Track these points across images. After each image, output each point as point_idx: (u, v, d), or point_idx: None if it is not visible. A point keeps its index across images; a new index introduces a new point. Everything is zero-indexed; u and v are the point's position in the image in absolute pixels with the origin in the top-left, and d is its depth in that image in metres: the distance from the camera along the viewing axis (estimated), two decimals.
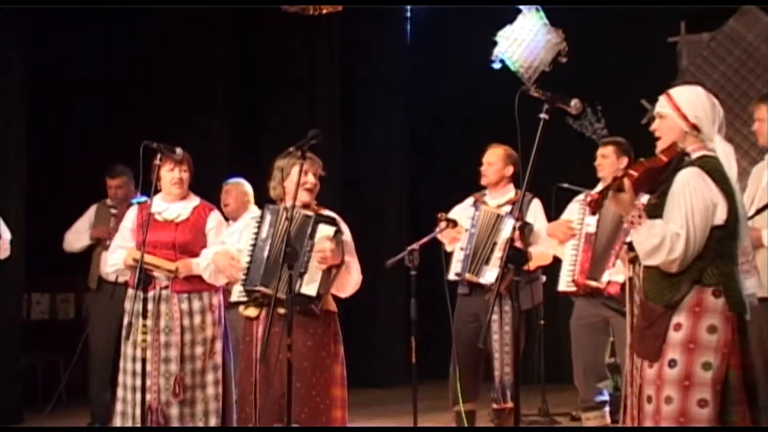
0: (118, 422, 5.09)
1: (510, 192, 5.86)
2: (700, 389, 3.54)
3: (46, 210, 7.91)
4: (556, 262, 5.73)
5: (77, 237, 7.10)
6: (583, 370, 5.48)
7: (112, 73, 8.50)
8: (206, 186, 5.63)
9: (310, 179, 4.68)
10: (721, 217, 3.60)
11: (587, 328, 5.46)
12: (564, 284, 5.49)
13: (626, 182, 3.68)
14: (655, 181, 3.75)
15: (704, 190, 3.60)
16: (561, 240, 5.49)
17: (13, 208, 6.98)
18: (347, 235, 4.78)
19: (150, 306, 4.95)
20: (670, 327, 3.59)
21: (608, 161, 5.50)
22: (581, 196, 5.57)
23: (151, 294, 4.98)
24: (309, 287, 4.51)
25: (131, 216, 5.31)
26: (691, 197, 3.58)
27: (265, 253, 4.59)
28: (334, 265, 4.62)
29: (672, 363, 3.58)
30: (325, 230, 4.57)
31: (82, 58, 8.43)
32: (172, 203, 5.24)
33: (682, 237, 3.55)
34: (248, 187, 6.48)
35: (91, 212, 7.12)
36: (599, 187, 5.38)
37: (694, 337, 3.57)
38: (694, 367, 3.55)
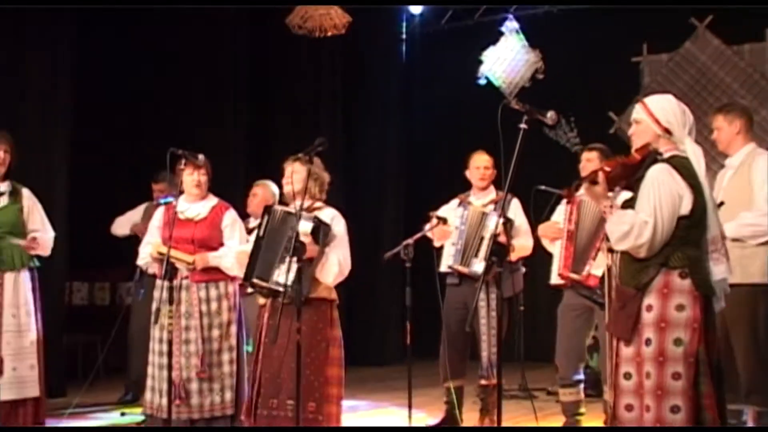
0: (148, 396, 5.05)
1: (491, 193, 5.82)
2: (673, 363, 3.46)
3: (87, 208, 7.86)
4: (537, 256, 5.67)
5: (121, 225, 7.23)
6: (566, 351, 5.38)
7: (144, 86, 8.45)
8: (225, 187, 5.56)
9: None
10: (687, 208, 3.53)
11: (572, 315, 5.35)
12: (554, 278, 5.40)
13: (600, 175, 3.63)
14: (630, 177, 3.69)
15: (672, 183, 3.53)
16: (551, 239, 5.42)
17: (58, 208, 6.91)
18: (338, 229, 4.63)
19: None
20: (642, 308, 3.52)
21: (592, 165, 5.39)
22: None
23: (174, 283, 4.91)
24: (287, 276, 4.39)
25: (159, 215, 5.28)
26: (659, 189, 3.51)
27: (262, 250, 4.54)
28: (311, 257, 4.49)
29: (648, 342, 3.50)
30: (303, 226, 4.44)
31: (121, 70, 8.38)
32: (193, 203, 5.18)
33: (649, 224, 3.48)
34: (273, 189, 6.22)
35: (141, 208, 7.18)
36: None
37: (664, 316, 3.49)
38: (666, 344, 3.47)
